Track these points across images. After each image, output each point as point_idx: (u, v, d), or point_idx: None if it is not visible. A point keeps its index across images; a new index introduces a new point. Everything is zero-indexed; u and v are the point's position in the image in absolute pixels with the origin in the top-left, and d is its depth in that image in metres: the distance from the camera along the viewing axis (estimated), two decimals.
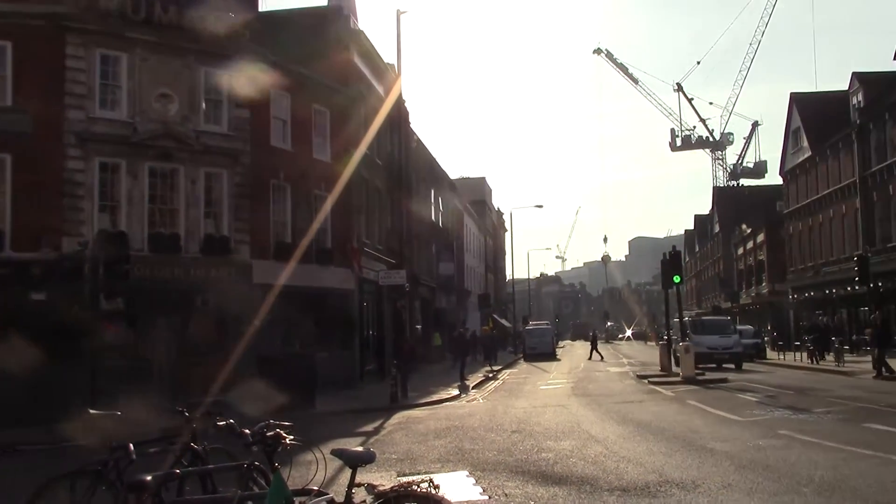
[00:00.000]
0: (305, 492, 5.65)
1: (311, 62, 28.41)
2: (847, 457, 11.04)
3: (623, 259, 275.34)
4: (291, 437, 5.40)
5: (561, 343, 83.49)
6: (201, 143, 25.09)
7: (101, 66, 23.75)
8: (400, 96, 28.48)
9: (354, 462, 5.26)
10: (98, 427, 7.34)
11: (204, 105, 25.54)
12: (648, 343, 76.68)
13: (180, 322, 24.14)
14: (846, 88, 44.88)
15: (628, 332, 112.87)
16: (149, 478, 5.79)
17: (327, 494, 5.46)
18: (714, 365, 33.35)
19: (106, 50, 23.84)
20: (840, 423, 14.86)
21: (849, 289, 40.46)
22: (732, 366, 33.96)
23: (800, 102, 51.59)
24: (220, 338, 23.52)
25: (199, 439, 7.39)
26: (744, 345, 37.96)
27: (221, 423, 6.64)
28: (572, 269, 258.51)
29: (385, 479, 10.13)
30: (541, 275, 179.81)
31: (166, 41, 24.60)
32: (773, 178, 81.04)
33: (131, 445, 6.87)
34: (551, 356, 53.53)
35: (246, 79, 25.16)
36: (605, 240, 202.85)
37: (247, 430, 5.78)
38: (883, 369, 25.48)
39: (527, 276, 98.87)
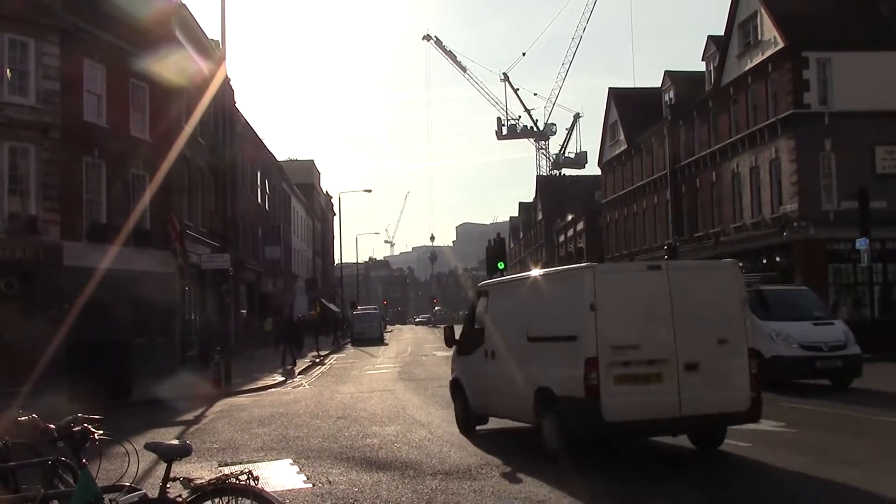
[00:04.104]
0: (116, 488, 5.35)
1: (130, 34, 26.97)
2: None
3: (451, 244, 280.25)
4: (101, 431, 5.10)
5: (389, 328, 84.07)
6: (5, 116, 23.34)
7: None
8: (225, 75, 27.50)
9: (169, 455, 5.04)
10: None
11: (8, 75, 23.75)
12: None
13: None
14: (659, 85, 47.48)
15: (418, 318, 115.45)
16: None
17: (140, 490, 5.20)
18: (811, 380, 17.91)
19: None
20: None
21: None
22: (828, 382, 17.63)
23: (617, 97, 54.14)
24: (27, 324, 22.08)
25: (0, 434, 6.87)
26: None
27: (24, 418, 6.20)
28: (401, 253, 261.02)
29: (205, 470, 9.84)
30: (370, 259, 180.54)
31: None
32: (592, 168, 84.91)
33: None
34: (379, 341, 53.84)
35: (56, 48, 23.61)
36: (433, 238, 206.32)
37: (52, 426, 5.41)
38: None
39: (355, 261, 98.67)
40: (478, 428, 12.74)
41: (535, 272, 12.04)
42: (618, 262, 52.94)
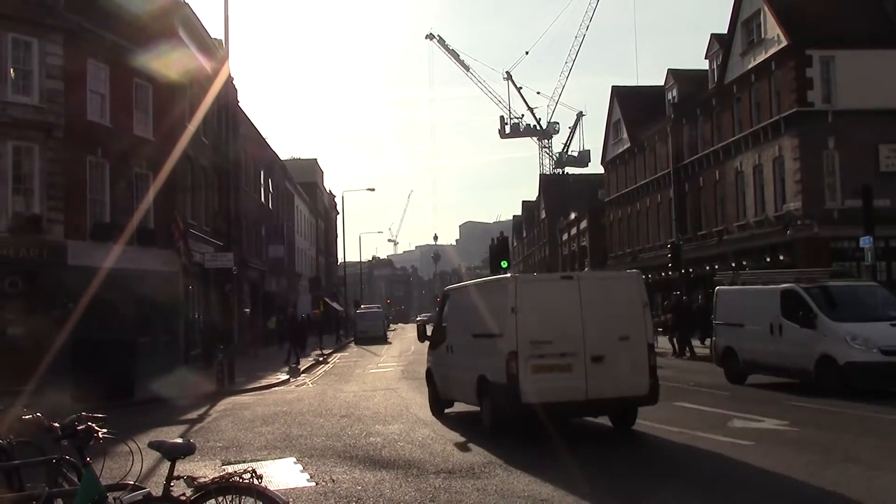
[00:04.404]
0: (120, 486, 5.36)
1: (133, 34, 26.99)
2: (657, 435, 11.73)
3: (454, 243, 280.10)
4: (105, 430, 5.12)
5: (392, 326, 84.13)
6: (8, 115, 23.36)
7: None
8: (228, 74, 27.53)
9: (173, 454, 5.06)
10: None
11: (12, 74, 23.77)
12: None
13: None
14: (663, 84, 47.39)
15: (420, 317, 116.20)
16: None
17: (144, 489, 5.21)
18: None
19: None
20: None
21: (663, 274, 42.93)
22: None
23: (620, 95, 54.01)
24: (31, 323, 22.11)
25: (5, 432, 6.88)
26: None
27: (28, 417, 6.22)
28: (404, 252, 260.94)
29: (209, 469, 9.87)
30: (373, 258, 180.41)
31: None
32: (595, 166, 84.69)
33: None
34: (383, 339, 53.87)
35: (59, 48, 23.63)
36: (436, 237, 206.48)
37: (56, 424, 5.43)
38: (686, 350, 27.41)
39: (359, 260, 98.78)
40: (446, 411, 15.07)
41: (474, 281, 15.18)
42: (621, 260, 52.98)
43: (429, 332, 16.52)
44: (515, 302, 11.56)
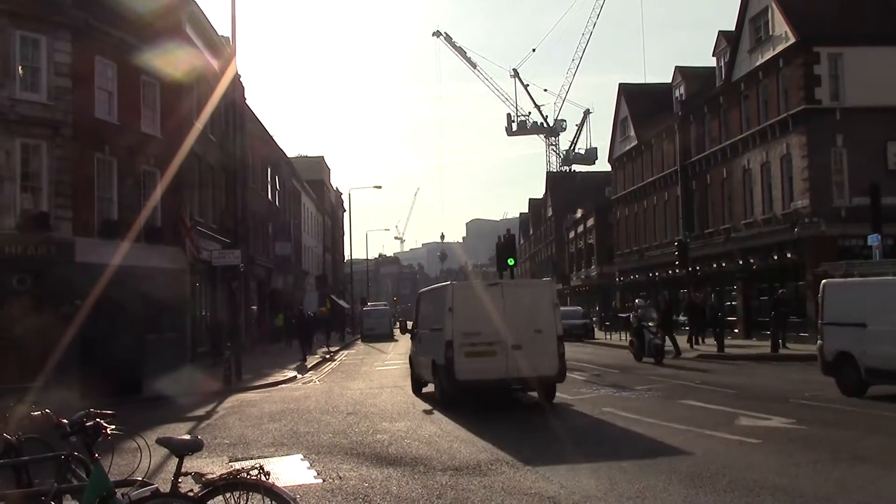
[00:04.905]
0: (128, 483, 5.38)
1: (140, 31, 27.04)
2: (664, 433, 11.72)
3: (461, 241, 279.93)
4: (113, 426, 5.13)
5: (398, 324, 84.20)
6: (17, 112, 23.41)
7: None
8: (235, 71, 27.55)
9: (181, 450, 5.07)
10: None
11: (20, 71, 23.82)
12: None
13: None
14: (670, 81, 47.28)
15: None
16: None
17: (152, 485, 5.23)
18: None
19: None
20: (659, 401, 15.75)
21: (670, 272, 42.85)
22: None
23: (627, 93, 53.91)
24: (39, 320, 22.16)
25: (13, 429, 6.90)
26: (572, 325, 35.33)
27: (37, 413, 6.24)
28: (411, 249, 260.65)
29: (216, 465, 9.89)
30: (380, 255, 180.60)
31: None
32: (603, 164, 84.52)
33: None
34: (389, 337, 53.90)
35: (67, 45, 23.65)
36: (443, 237, 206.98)
37: (65, 420, 5.44)
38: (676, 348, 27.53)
39: (365, 257, 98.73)
40: (425, 390, 18.05)
41: (432, 286, 19.62)
42: (628, 258, 52.90)
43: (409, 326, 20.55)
44: (452, 303, 15.06)
